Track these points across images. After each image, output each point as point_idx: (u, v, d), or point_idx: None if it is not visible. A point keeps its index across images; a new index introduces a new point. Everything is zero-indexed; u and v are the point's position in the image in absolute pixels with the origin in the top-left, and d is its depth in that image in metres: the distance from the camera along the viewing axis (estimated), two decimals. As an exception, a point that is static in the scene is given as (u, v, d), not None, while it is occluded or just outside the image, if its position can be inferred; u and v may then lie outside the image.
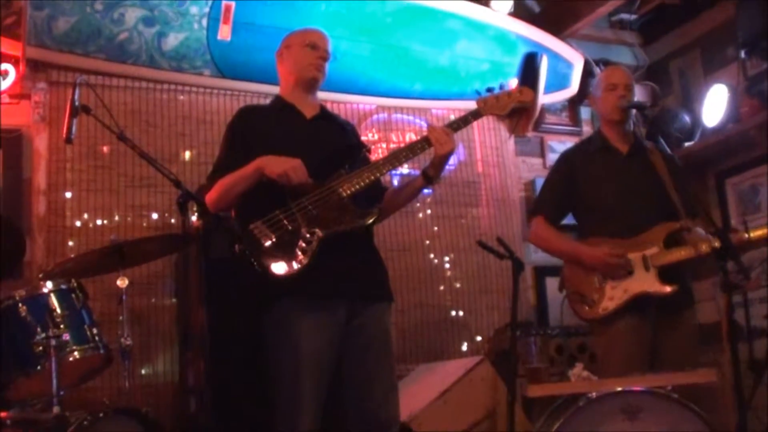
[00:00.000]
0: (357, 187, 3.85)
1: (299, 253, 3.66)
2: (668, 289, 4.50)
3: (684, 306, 4.65)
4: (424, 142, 4.01)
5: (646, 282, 4.54)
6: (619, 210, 4.69)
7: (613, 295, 4.57)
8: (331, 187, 3.82)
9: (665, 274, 4.52)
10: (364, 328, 3.87)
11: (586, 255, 4.66)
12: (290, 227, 3.70)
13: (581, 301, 4.68)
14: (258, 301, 3.84)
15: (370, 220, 3.91)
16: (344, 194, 3.82)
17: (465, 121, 4.18)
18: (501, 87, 4.27)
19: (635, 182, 4.70)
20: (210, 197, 3.92)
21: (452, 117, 7.00)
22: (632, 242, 4.59)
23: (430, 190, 6.97)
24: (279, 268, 3.64)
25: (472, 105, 6.37)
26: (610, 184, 4.75)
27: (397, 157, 3.99)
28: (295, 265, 3.64)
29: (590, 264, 4.64)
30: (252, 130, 4.02)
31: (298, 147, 3.90)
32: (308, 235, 3.69)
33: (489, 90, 4.25)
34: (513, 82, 4.28)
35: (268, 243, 3.65)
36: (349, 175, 3.86)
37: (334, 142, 4.09)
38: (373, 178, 3.92)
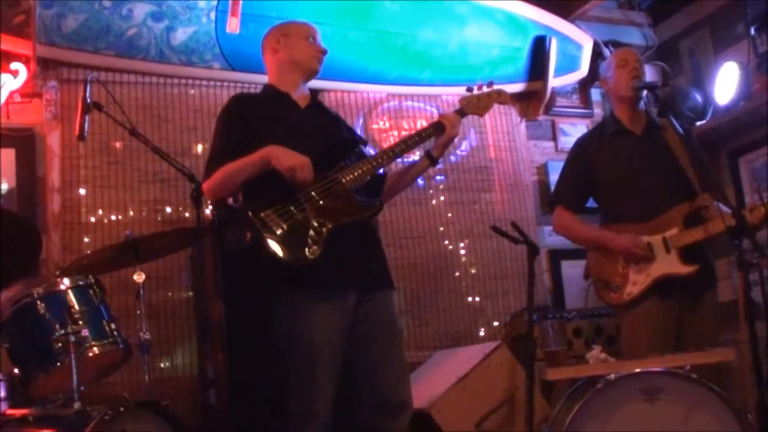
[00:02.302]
0: (360, 179, 3.92)
1: (310, 242, 3.69)
2: (690, 269, 4.51)
3: (707, 286, 4.65)
4: (433, 129, 4.11)
5: (668, 264, 4.55)
6: (638, 192, 4.69)
7: (637, 280, 4.59)
8: (336, 178, 3.86)
9: (687, 254, 4.52)
10: (371, 316, 3.92)
11: (611, 242, 4.67)
12: (300, 217, 3.73)
13: (606, 288, 4.69)
14: (266, 292, 3.87)
15: (374, 212, 3.97)
16: (348, 186, 3.87)
17: (460, 115, 4.27)
18: (480, 88, 4.34)
19: (651, 162, 4.70)
20: (210, 184, 3.92)
21: (463, 103, 7.04)
22: (652, 225, 4.60)
23: (443, 177, 6.98)
24: (290, 256, 3.68)
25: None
26: (627, 166, 4.75)
27: (394, 150, 4.07)
28: (308, 255, 3.68)
29: (615, 251, 4.64)
30: (249, 119, 4.03)
31: (296, 136, 3.94)
32: (317, 226, 3.73)
33: (469, 90, 4.34)
34: (492, 84, 4.34)
35: (279, 231, 3.68)
36: (351, 167, 3.92)
37: (330, 133, 4.13)
38: (373, 170, 3.98)
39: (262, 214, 3.71)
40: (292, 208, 3.74)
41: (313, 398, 3.74)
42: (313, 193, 3.80)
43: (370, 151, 4.47)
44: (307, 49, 4.18)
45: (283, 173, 3.75)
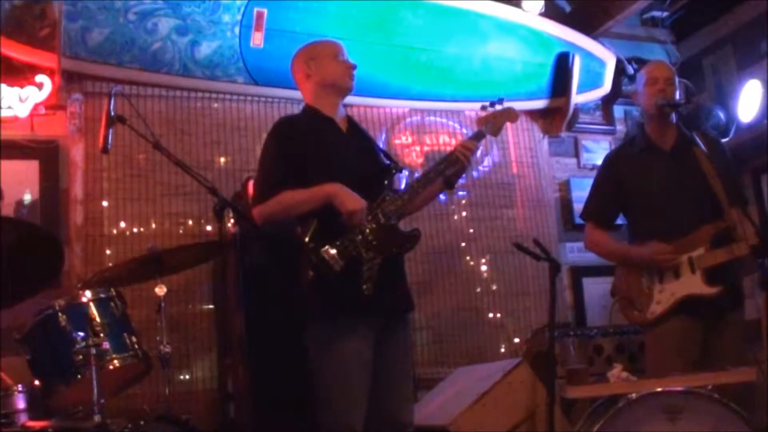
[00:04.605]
0: (400, 210, 4.04)
1: (365, 278, 3.86)
2: (714, 290, 4.46)
3: (733, 306, 4.61)
4: (452, 159, 4.18)
5: (692, 284, 4.51)
6: (665, 210, 4.65)
7: (661, 299, 4.56)
8: (382, 210, 3.98)
9: (712, 274, 4.49)
10: (391, 339, 4.04)
11: (634, 255, 4.66)
12: (353, 252, 3.86)
13: (631, 306, 4.67)
14: (305, 312, 3.97)
15: (415, 244, 4.08)
16: (391, 218, 3.99)
17: (478, 138, 4.32)
18: (492, 105, 4.44)
19: (679, 180, 4.65)
20: (264, 210, 3.98)
21: (486, 119, 7.05)
22: (679, 244, 4.56)
23: (465, 192, 6.99)
24: (349, 293, 3.84)
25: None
26: (654, 184, 4.71)
27: (428, 178, 4.15)
28: (365, 291, 3.85)
29: (639, 263, 4.62)
30: (297, 145, 4.07)
31: (342, 164, 4.06)
32: (368, 260, 3.88)
33: (484, 108, 4.45)
34: (503, 101, 4.43)
35: (338, 269, 3.82)
36: (392, 199, 4.03)
37: (371, 160, 4.23)
38: (412, 201, 4.12)
39: (322, 252, 3.83)
40: (347, 243, 3.87)
41: (348, 411, 3.85)
42: (363, 227, 3.92)
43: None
44: (337, 68, 4.22)
45: (342, 214, 3.86)
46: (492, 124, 4.35)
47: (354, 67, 4.25)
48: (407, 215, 4.39)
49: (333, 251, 3.84)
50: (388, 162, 4.29)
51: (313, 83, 4.24)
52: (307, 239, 3.92)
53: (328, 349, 3.89)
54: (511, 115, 4.44)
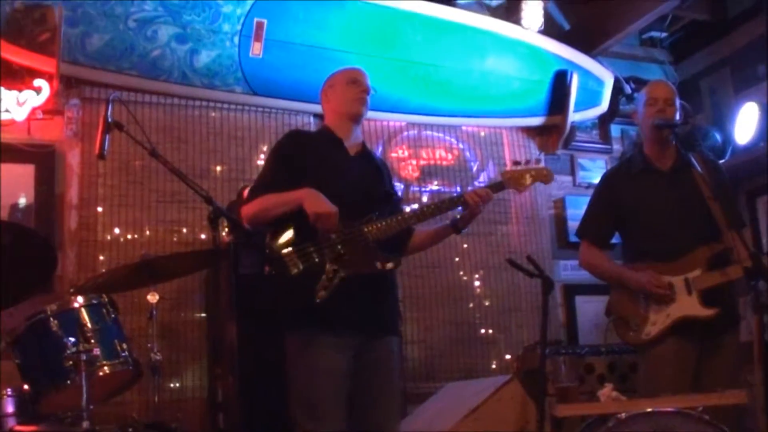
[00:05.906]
0: (383, 234, 4.02)
1: (320, 287, 3.86)
2: (710, 312, 4.45)
3: (728, 327, 4.59)
4: (458, 202, 4.23)
5: (688, 306, 4.50)
6: (663, 231, 4.64)
7: (656, 320, 4.54)
8: (360, 229, 3.98)
9: (708, 297, 4.48)
10: (373, 357, 4.03)
11: (628, 278, 4.64)
12: (317, 260, 3.89)
13: (626, 326, 4.65)
14: (283, 323, 4.01)
15: (390, 267, 4.06)
16: (370, 238, 3.98)
17: (495, 189, 4.37)
18: (527, 163, 4.43)
19: (678, 201, 4.64)
20: (247, 211, 4.06)
21: (482, 134, 7.08)
22: (675, 265, 4.54)
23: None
24: (299, 296, 3.87)
25: (501, 123, 6.40)
26: (653, 205, 4.69)
27: (424, 213, 4.22)
28: (316, 298, 3.84)
29: (632, 286, 4.61)
30: (299, 157, 4.16)
31: (339, 183, 4.08)
32: (331, 273, 3.89)
33: (516, 163, 4.44)
34: (540, 162, 4.41)
35: (295, 271, 3.86)
36: (377, 221, 4.03)
37: (371, 184, 4.26)
38: (398, 228, 4.09)
39: (284, 252, 3.90)
40: (312, 250, 3.90)
41: (319, 424, 3.84)
42: (335, 240, 3.93)
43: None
44: (347, 94, 4.30)
45: (309, 217, 3.87)
46: (518, 180, 4.35)
47: (366, 92, 4.31)
48: (413, 252, 4.49)
49: (293, 253, 3.89)
50: (390, 192, 4.36)
51: (329, 108, 4.37)
52: (269, 239, 3.99)
53: (299, 360, 3.93)
54: (546, 176, 4.41)
